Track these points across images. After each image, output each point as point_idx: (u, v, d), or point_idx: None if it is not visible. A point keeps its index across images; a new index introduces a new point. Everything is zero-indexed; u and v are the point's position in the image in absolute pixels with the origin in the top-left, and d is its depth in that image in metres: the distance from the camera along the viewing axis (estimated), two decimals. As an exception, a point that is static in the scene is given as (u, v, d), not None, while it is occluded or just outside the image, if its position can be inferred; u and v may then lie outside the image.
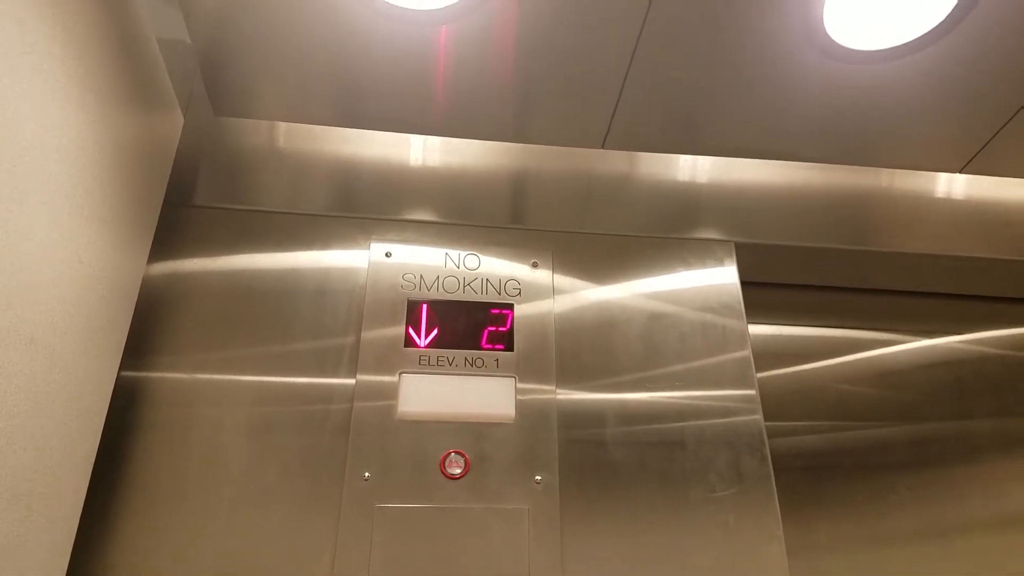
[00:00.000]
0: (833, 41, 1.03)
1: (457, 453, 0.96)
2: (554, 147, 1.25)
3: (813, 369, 1.32)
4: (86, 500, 0.85)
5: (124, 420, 0.92)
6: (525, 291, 1.10)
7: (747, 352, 1.10)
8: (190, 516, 0.88)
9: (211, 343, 0.99)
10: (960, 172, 1.35)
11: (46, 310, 0.75)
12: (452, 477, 0.94)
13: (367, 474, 0.93)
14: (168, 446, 0.91)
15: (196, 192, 1.11)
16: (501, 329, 1.05)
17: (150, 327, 0.98)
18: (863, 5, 0.99)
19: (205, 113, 1.17)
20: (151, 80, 1.02)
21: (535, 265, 1.12)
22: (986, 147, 1.27)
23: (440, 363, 1.01)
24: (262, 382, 0.97)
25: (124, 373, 0.94)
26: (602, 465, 0.99)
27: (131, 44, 0.95)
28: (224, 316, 1.01)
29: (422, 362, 1.01)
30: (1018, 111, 1.18)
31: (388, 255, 1.09)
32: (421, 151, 1.21)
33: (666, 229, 1.21)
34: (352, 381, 0.99)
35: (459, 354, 1.02)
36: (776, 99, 1.14)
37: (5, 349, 0.68)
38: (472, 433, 0.97)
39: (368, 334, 1.02)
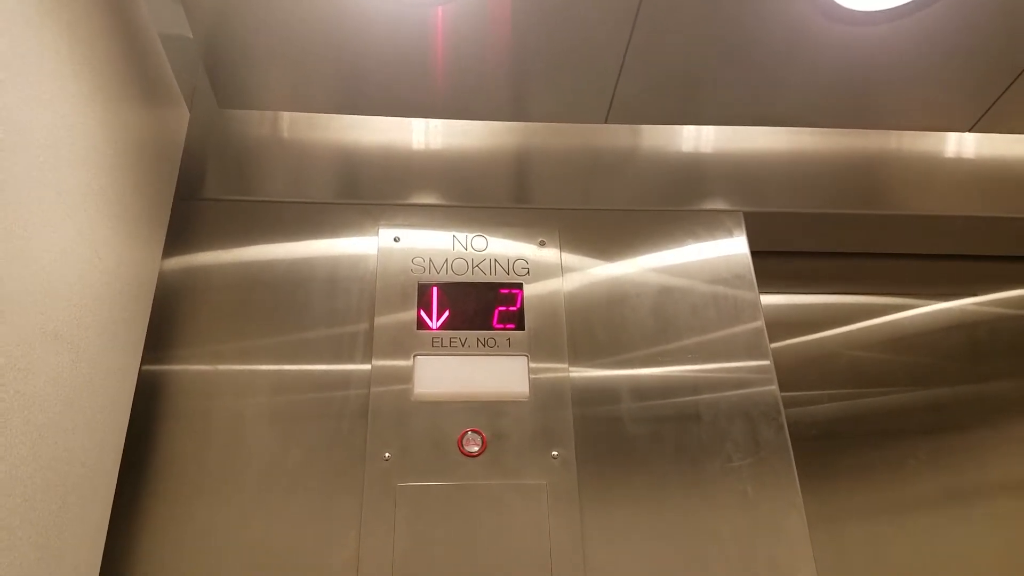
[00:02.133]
0: (835, 3, 1.02)
1: (474, 432, 0.97)
2: (556, 124, 1.25)
3: (827, 337, 1.31)
4: (115, 490, 0.88)
5: (148, 412, 0.95)
6: (534, 270, 1.10)
7: (760, 323, 1.10)
8: (217, 503, 0.90)
9: (228, 334, 1.00)
10: (970, 131, 1.33)
11: (69, 307, 0.77)
12: (470, 455, 0.96)
13: (387, 454, 0.94)
14: (192, 436, 0.94)
15: (205, 185, 1.12)
16: (511, 309, 1.06)
17: (168, 321, 1.01)
18: (865, -36, 0.98)
19: (210, 106, 1.18)
20: (156, 76, 1.03)
21: (542, 244, 1.13)
22: (995, 105, 1.25)
23: (453, 344, 1.03)
24: (280, 370, 0.99)
25: (145, 367, 0.96)
26: (618, 440, 1.00)
27: (135, 41, 0.96)
28: (239, 307, 1.02)
29: (435, 344, 1.02)
30: (1028, 66, 1.16)
31: (397, 240, 1.10)
32: (424, 135, 1.22)
33: (673, 201, 1.20)
34: (368, 366, 1.00)
35: (471, 335, 1.04)
36: (779, 64, 1.13)
37: (32, 345, 0.70)
38: (487, 412, 0.99)
39: (381, 319, 1.03)
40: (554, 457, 0.97)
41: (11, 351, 0.67)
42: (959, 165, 1.31)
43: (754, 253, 1.17)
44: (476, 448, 0.96)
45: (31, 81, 0.71)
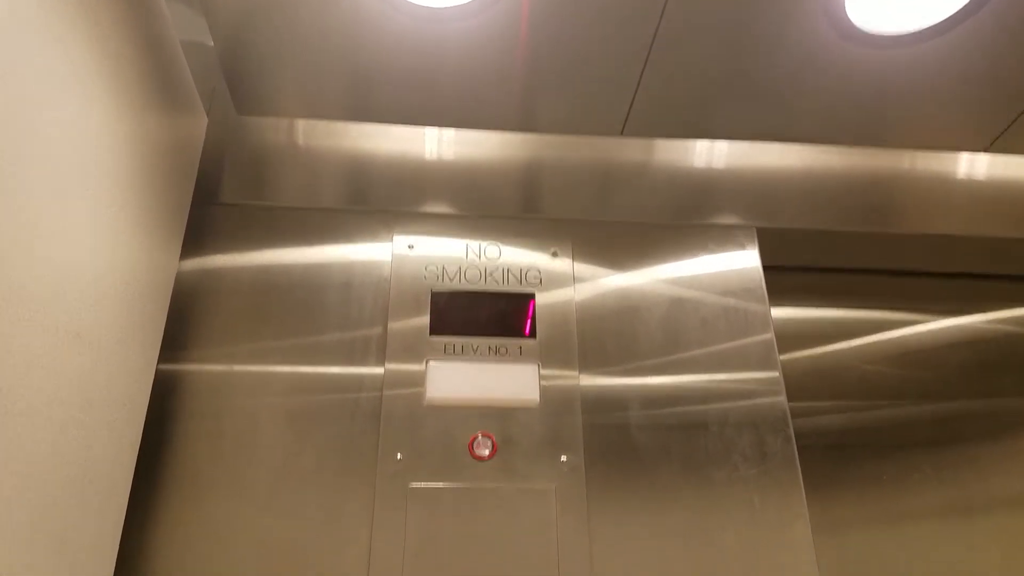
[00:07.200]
0: (855, 26, 1.02)
1: (485, 435, 0.98)
2: (571, 136, 1.26)
3: (837, 350, 1.32)
4: (131, 487, 0.89)
5: (163, 411, 0.96)
6: (546, 280, 1.11)
7: (770, 335, 1.11)
8: (230, 501, 0.91)
9: (243, 335, 1.02)
10: (985, 152, 1.33)
11: (90, 307, 0.79)
12: (480, 458, 0.97)
13: (399, 455, 0.96)
14: (206, 435, 0.95)
15: (222, 190, 1.14)
16: (523, 317, 1.07)
17: (184, 322, 1.02)
18: (884, -13, 0.98)
19: (228, 112, 1.19)
20: (177, 83, 1.05)
21: (555, 254, 1.14)
22: (1012, 126, 1.25)
23: (465, 351, 1.04)
24: (294, 372, 1.00)
25: (161, 366, 0.98)
26: (627, 448, 1.00)
27: (159, 51, 0.97)
28: (255, 310, 1.04)
29: (447, 351, 1.04)
30: (1045, 87, 1.16)
31: (411, 247, 1.12)
32: (437, 144, 1.23)
33: (686, 216, 1.21)
34: (381, 370, 1.02)
35: (483, 342, 1.05)
36: (797, 83, 1.14)
37: (56, 344, 0.72)
38: (498, 417, 1.00)
39: (394, 324, 1.05)
40: (563, 462, 0.98)
41: (36, 350, 0.68)
42: (972, 185, 1.31)
43: (766, 267, 1.17)
44: (487, 452, 0.97)
45: (64, 96, 0.73)
